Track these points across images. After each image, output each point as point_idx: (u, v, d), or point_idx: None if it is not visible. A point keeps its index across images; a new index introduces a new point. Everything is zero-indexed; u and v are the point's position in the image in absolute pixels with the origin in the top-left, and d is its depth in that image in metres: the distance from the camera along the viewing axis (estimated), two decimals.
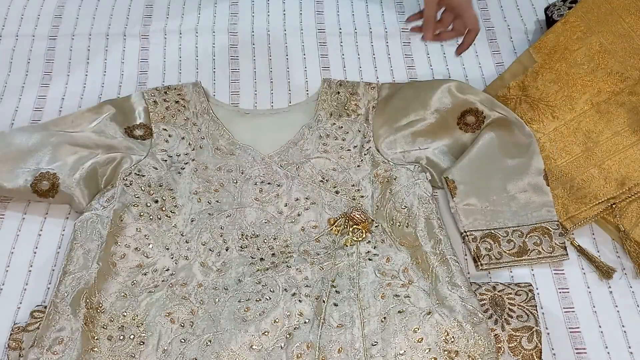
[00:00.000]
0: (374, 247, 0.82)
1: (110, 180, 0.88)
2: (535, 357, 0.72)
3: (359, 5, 1.16)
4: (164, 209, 0.85)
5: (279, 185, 0.88)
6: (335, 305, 0.76)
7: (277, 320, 0.75)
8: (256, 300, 0.77)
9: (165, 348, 0.73)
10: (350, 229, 0.83)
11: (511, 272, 0.84)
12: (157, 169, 0.89)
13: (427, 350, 0.71)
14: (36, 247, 0.85)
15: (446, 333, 0.72)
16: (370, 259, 0.81)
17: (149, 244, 0.82)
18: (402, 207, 0.84)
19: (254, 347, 0.72)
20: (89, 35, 1.11)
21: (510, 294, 0.77)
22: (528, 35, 1.11)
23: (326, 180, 0.88)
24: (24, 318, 0.78)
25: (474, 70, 1.06)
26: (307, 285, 0.78)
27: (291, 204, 0.86)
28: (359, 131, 0.93)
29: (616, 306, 0.81)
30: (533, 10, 1.14)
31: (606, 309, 0.80)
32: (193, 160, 0.90)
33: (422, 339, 0.72)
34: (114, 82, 1.05)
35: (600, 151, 0.88)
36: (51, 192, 0.86)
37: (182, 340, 0.74)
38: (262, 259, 0.82)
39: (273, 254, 0.82)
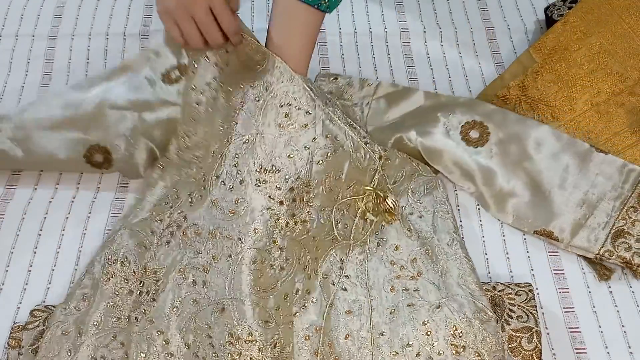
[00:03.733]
0: (382, 231, 0.81)
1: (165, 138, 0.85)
2: (535, 357, 0.72)
3: (359, 5, 1.16)
4: None
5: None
6: (344, 290, 0.77)
7: (287, 296, 0.75)
8: (270, 265, 0.76)
9: (177, 306, 0.74)
10: (380, 212, 0.81)
11: (511, 271, 0.84)
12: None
13: (435, 344, 0.71)
14: (36, 247, 0.85)
15: (455, 328, 0.72)
16: (379, 244, 0.80)
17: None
18: (418, 202, 0.84)
19: (268, 322, 0.72)
20: (89, 35, 1.11)
21: (511, 294, 0.77)
22: (528, 35, 1.11)
23: None
24: (23, 317, 0.78)
25: (474, 70, 1.06)
26: (316, 258, 0.78)
27: None
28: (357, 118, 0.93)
29: (616, 306, 0.81)
30: (533, 10, 1.14)
31: (606, 309, 0.81)
32: None
33: (431, 332, 0.72)
34: None
35: None
36: (105, 165, 0.87)
37: (194, 301, 0.74)
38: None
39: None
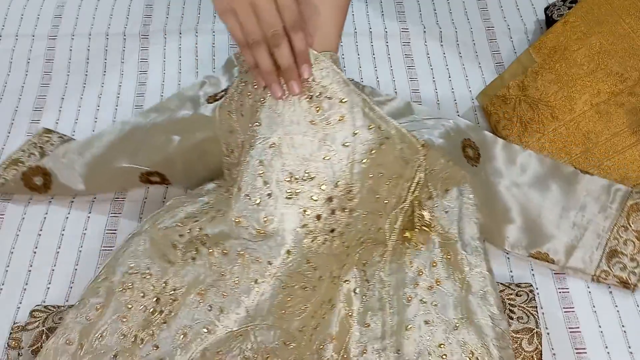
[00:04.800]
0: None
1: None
2: (535, 358, 0.72)
3: (359, 5, 1.16)
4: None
5: None
6: (364, 298, 0.70)
7: (314, 313, 0.68)
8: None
9: (187, 332, 0.66)
10: (417, 227, 0.74)
11: (511, 272, 0.83)
12: None
13: None
14: (36, 247, 0.85)
15: (471, 353, 0.67)
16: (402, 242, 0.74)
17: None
18: (444, 196, 0.77)
19: (289, 343, 0.66)
20: (89, 35, 1.11)
21: (511, 294, 0.77)
22: (528, 35, 1.11)
23: None
24: (23, 318, 0.78)
25: (474, 70, 1.06)
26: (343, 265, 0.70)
27: None
28: None
29: (616, 306, 0.81)
30: (533, 10, 1.14)
31: (606, 309, 0.80)
32: None
33: (446, 355, 0.67)
34: (113, 81, 1.05)
35: (600, 152, 0.88)
36: (165, 182, 0.85)
37: (207, 330, 0.66)
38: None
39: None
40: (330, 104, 0.67)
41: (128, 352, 0.66)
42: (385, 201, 0.71)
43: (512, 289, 0.77)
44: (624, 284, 0.79)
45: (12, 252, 0.85)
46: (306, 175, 0.67)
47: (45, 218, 0.88)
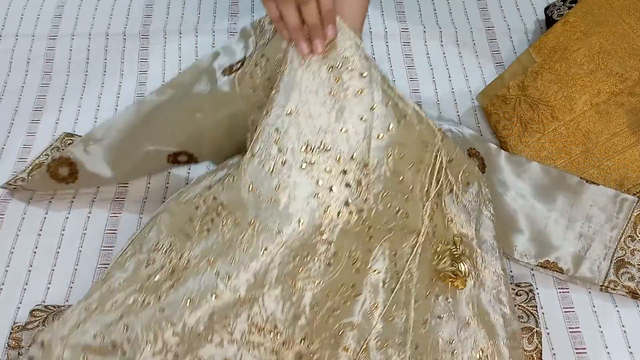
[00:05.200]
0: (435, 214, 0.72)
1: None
2: (535, 358, 0.72)
3: None
4: None
5: None
6: (392, 291, 0.67)
7: (329, 292, 0.66)
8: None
9: (193, 299, 0.65)
10: (450, 271, 0.71)
11: (511, 271, 0.83)
12: None
13: None
14: (36, 247, 0.85)
15: (481, 351, 0.68)
16: (432, 233, 0.72)
17: None
18: (465, 190, 0.76)
19: (299, 318, 0.65)
20: (89, 35, 1.11)
21: (511, 294, 0.77)
22: (528, 35, 1.11)
23: None
24: (23, 318, 0.78)
25: (474, 70, 1.06)
26: (369, 250, 0.68)
27: None
28: None
29: (616, 306, 0.81)
30: (533, 10, 1.14)
31: (606, 309, 0.80)
32: None
33: (456, 351, 0.68)
34: (113, 81, 1.05)
35: (599, 152, 0.88)
36: (191, 161, 0.84)
37: (214, 295, 0.64)
38: None
39: None
40: (350, 76, 0.66)
41: (133, 314, 0.66)
42: (410, 186, 0.69)
43: (512, 289, 0.77)
44: (633, 294, 0.79)
45: (12, 252, 0.85)
46: (322, 146, 0.66)
47: (45, 218, 0.88)
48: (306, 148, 0.66)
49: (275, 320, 0.65)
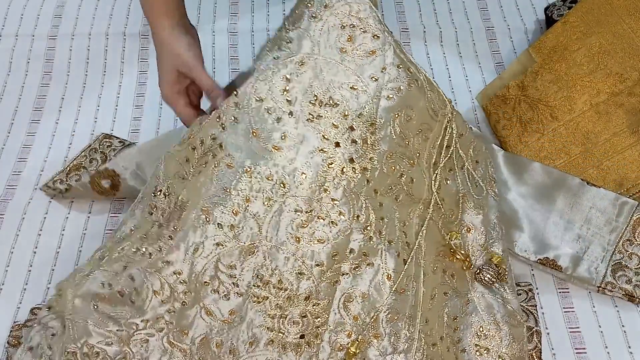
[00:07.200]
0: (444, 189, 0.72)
1: None
2: (535, 357, 0.72)
3: None
4: None
5: None
6: (404, 262, 0.67)
7: (336, 254, 0.65)
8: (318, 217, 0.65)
9: (197, 248, 0.65)
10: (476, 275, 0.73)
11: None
12: None
13: (458, 341, 0.70)
14: (36, 247, 0.85)
15: (480, 328, 0.71)
16: (438, 206, 0.71)
17: None
18: (475, 167, 0.77)
19: (303, 273, 0.65)
20: (88, 35, 1.11)
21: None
22: (528, 35, 1.11)
23: None
24: (23, 317, 0.78)
25: (474, 70, 1.06)
26: (381, 218, 0.67)
27: None
28: None
29: (616, 306, 0.81)
30: (533, 10, 1.14)
31: (606, 309, 0.80)
32: None
33: (458, 328, 0.70)
34: (113, 81, 1.05)
35: (599, 152, 0.88)
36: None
37: (217, 244, 0.65)
38: None
39: None
40: (363, 37, 0.68)
41: (137, 264, 0.67)
42: (416, 152, 0.69)
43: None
44: (630, 297, 0.79)
45: (12, 252, 0.85)
46: (331, 100, 0.66)
47: (45, 218, 0.88)
48: (315, 101, 0.66)
49: (280, 275, 0.64)
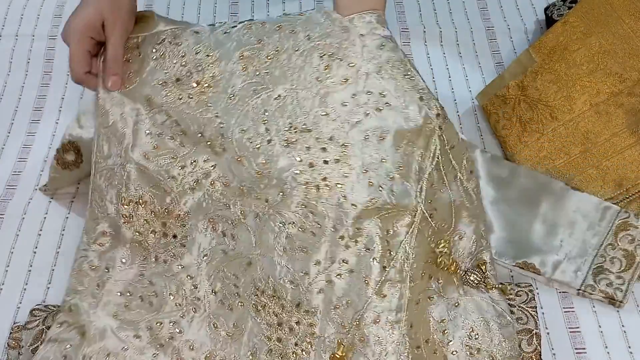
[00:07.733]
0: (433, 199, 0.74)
1: None
2: (535, 359, 0.72)
3: None
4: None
5: None
6: (384, 268, 0.69)
7: (319, 262, 0.70)
8: (300, 228, 0.71)
9: (207, 254, 0.74)
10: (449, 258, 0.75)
11: (511, 271, 0.83)
12: None
13: (449, 342, 0.71)
14: (36, 247, 0.85)
15: (471, 329, 0.72)
16: (429, 214, 0.73)
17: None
18: (469, 177, 0.78)
19: (293, 282, 0.70)
20: None
21: (511, 294, 0.77)
22: (528, 35, 1.11)
23: None
24: (23, 318, 0.78)
25: (474, 70, 1.06)
26: (358, 229, 0.70)
27: None
28: None
29: None
30: (533, 10, 1.14)
31: (606, 309, 0.80)
32: None
33: (447, 330, 0.72)
34: None
35: (599, 152, 0.88)
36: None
37: (223, 252, 0.73)
38: None
39: None
40: (338, 65, 0.73)
41: (153, 270, 0.75)
42: (399, 166, 0.71)
43: (512, 289, 0.77)
44: (610, 300, 0.79)
45: (12, 252, 0.85)
46: (304, 127, 0.72)
47: (45, 218, 0.88)
48: (290, 128, 0.72)
49: (275, 285, 0.70)
